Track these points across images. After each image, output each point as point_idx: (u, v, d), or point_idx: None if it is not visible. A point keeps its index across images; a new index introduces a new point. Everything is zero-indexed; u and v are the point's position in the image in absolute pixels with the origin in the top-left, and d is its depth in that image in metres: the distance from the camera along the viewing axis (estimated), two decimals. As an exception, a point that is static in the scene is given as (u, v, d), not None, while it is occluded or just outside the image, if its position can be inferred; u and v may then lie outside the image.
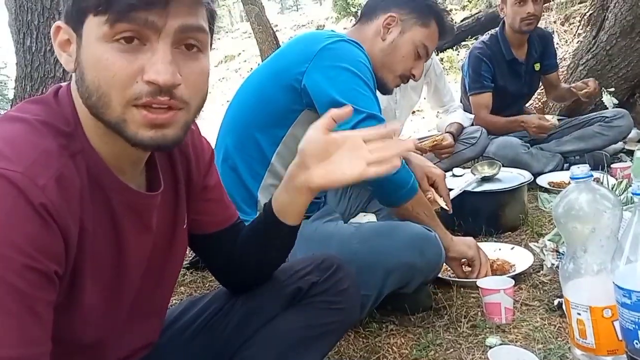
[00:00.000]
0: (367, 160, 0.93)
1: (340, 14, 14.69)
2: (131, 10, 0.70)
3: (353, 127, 1.49)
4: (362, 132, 0.97)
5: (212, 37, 0.82)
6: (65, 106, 0.79)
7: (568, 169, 2.65)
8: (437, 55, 6.67)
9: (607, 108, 3.12)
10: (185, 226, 0.99)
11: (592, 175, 1.12)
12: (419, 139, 2.99)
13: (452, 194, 2.09)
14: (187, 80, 0.75)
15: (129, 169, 0.84)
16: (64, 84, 0.83)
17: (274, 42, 8.57)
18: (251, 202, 1.65)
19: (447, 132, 2.79)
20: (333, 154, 0.95)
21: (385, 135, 0.97)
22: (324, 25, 15.05)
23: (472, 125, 2.93)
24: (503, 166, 2.39)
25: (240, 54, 14.87)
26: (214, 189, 1.05)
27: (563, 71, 3.79)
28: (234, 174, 1.66)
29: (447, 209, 1.81)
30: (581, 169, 1.12)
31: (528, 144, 2.82)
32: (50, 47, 2.69)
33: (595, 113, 3.06)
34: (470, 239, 1.70)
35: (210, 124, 2.13)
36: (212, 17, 0.80)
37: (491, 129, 2.88)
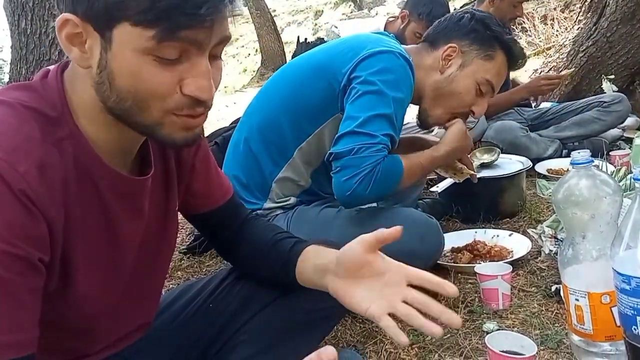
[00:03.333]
0: (394, 309, 0.82)
1: (338, -1, 14.58)
2: (182, 28, 0.68)
3: (351, 150, 1.42)
4: (413, 273, 0.86)
5: None
6: (52, 90, 0.76)
7: (567, 156, 2.66)
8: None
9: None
10: (176, 208, 0.99)
11: (592, 161, 1.11)
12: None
13: (450, 181, 2.08)
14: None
15: (120, 154, 0.82)
16: (52, 66, 0.80)
17: (272, 27, 8.51)
18: (264, 189, 1.64)
19: None
20: (367, 276, 0.87)
21: (437, 286, 0.83)
22: (322, 11, 14.94)
23: None
24: (502, 150, 2.38)
25: (237, 39, 14.75)
26: (203, 167, 1.03)
27: (563, 58, 3.77)
28: (254, 158, 1.64)
29: (474, 177, 1.76)
30: (582, 155, 1.11)
31: (527, 128, 2.81)
32: (45, 30, 2.66)
33: (592, 97, 3.04)
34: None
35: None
36: None
37: (495, 108, 2.87)
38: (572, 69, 2.82)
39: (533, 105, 3.22)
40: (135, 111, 0.73)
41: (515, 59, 1.64)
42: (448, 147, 1.59)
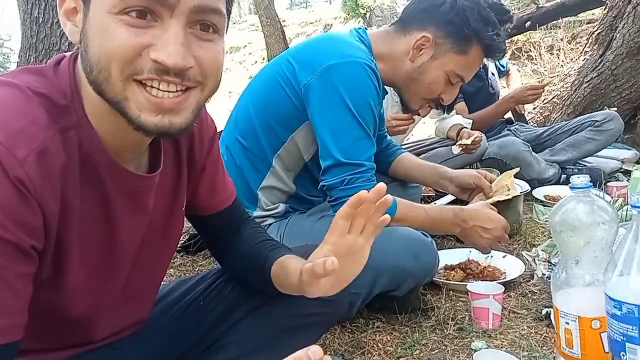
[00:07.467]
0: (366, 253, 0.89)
1: (348, 14, 14.68)
2: None
3: (342, 181, 1.45)
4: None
5: (228, 19, 0.78)
6: (64, 78, 0.75)
7: (565, 182, 2.67)
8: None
9: None
10: (183, 207, 0.98)
11: (591, 186, 1.12)
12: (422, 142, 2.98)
13: (447, 199, 2.09)
14: (200, 63, 0.72)
15: (129, 149, 0.81)
16: (67, 53, 0.80)
17: (281, 36, 8.56)
18: (252, 198, 1.64)
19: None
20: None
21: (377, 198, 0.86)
22: (331, 25, 15.03)
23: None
24: (505, 165, 2.38)
25: (246, 46, 14.84)
26: (212, 169, 1.02)
27: (567, 87, 3.81)
28: (237, 168, 1.63)
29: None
30: (581, 179, 1.12)
31: (528, 144, 2.82)
32: (57, 19, 2.66)
33: (584, 116, 3.05)
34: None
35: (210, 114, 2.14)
36: None
37: (483, 122, 2.89)
38: (553, 77, 2.92)
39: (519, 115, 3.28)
40: (101, 81, 0.69)
41: (493, 53, 1.62)
42: (460, 221, 1.57)
